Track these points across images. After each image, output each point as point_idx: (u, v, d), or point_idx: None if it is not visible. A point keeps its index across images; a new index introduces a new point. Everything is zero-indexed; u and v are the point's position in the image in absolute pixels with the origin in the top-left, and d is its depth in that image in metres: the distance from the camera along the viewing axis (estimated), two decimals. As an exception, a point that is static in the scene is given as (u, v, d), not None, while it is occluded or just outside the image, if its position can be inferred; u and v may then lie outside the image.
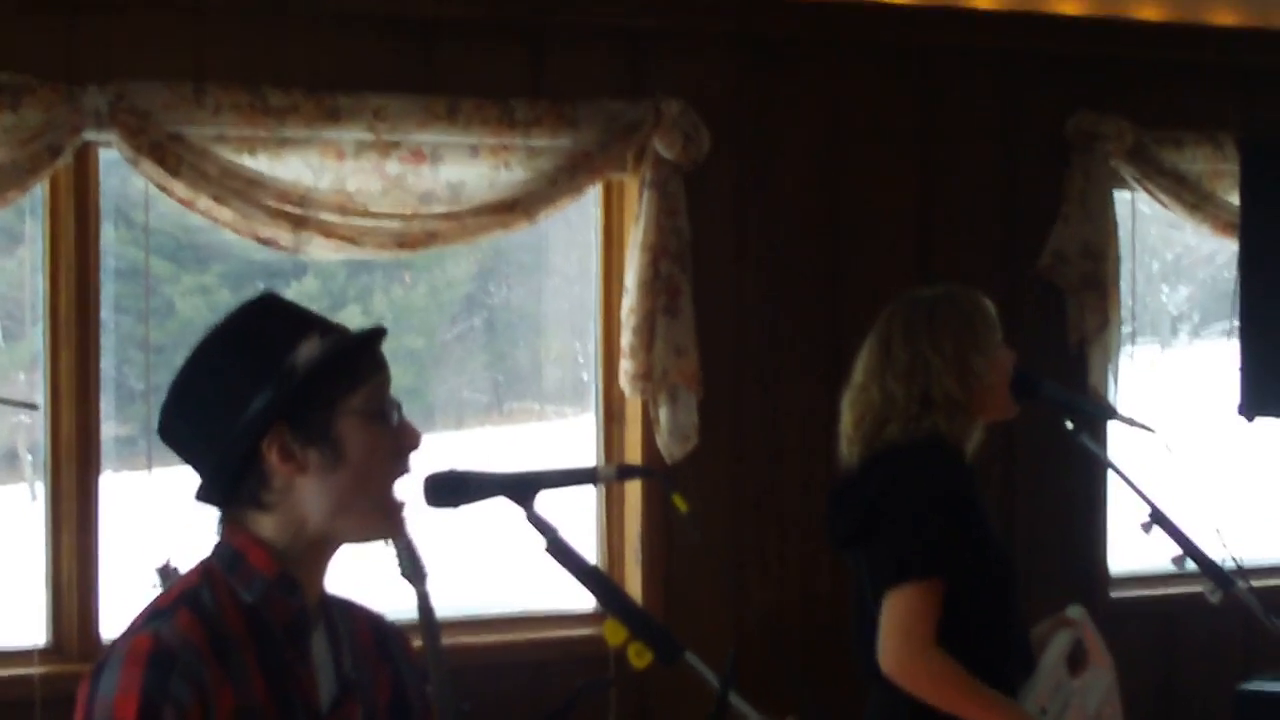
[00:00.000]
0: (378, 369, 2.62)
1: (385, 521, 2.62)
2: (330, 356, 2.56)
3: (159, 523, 5.21)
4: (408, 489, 2.65)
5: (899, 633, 4.14)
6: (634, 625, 2.61)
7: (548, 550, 2.66)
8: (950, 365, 4.29)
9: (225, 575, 2.56)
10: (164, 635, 2.46)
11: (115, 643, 2.51)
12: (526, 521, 2.66)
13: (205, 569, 2.58)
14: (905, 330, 4.37)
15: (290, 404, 2.54)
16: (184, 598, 2.54)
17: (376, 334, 2.65)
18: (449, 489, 2.68)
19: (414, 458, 2.64)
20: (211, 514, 2.65)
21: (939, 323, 4.34)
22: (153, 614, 2.53)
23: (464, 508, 2.72)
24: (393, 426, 2.61)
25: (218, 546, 2.61)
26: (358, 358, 2.60)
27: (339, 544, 2.64)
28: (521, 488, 2.67)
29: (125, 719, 2.40)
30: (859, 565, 4.36)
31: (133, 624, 2.54)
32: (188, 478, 2.66)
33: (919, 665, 4.12)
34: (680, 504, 2.78)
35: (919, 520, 4.19)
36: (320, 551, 2.62)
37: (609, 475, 2.87)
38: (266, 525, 2.58)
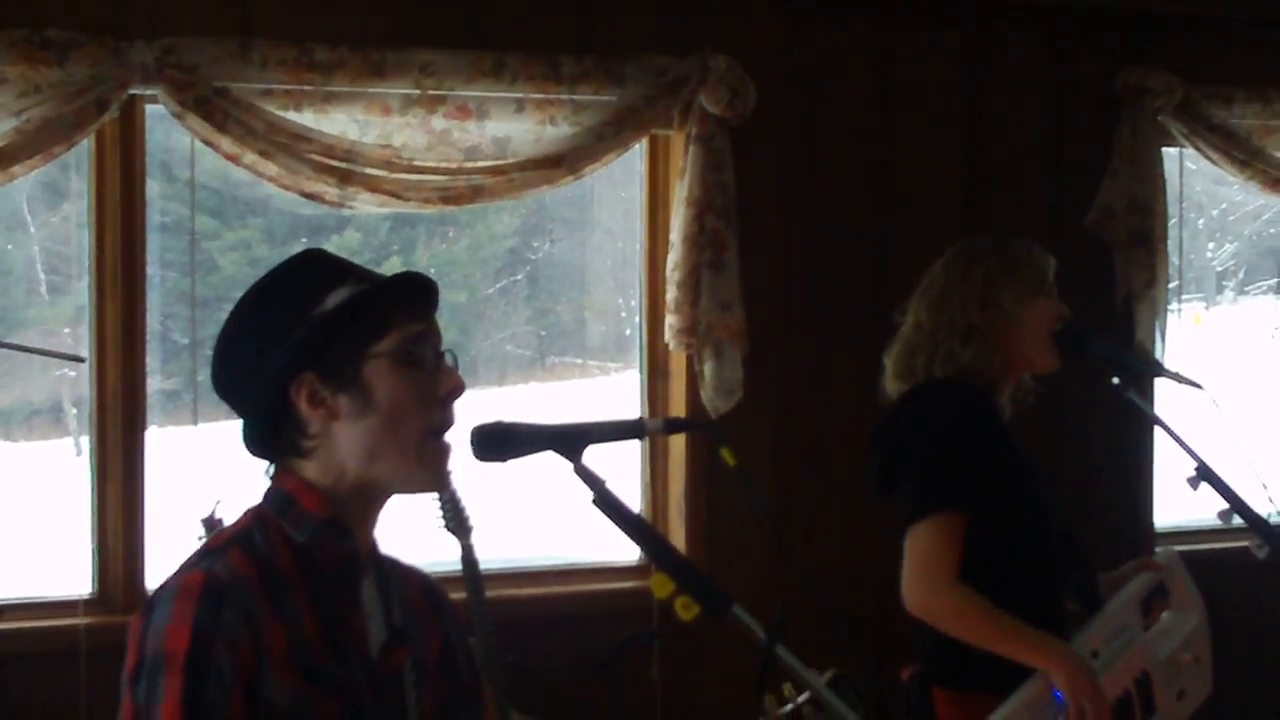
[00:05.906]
0: (414, 315, 2.58)
1: (421, 469, 2.58)
2: (350, 302, 2.55)
3: (204, 477, 5.24)
4: (454, 440, 2.61)
5: (919, 568, 4.10)
6: (681, 578, 2.60)
7: (595, 502, 2.63)
8: (975, 293, 4.29)
9: (276, 518, 2.56)
10: (216, 571, 2.46)
11: (167, 581, 2.51)
12: (574, 474, 2.64)
13: (256, 513, 2.59)
14: (946, 265, 4.40)
15: (313, 350, 2.54)
16: (235, 539, 2.54)
17: (404, 280, 2.61)
18: (496, 442, 2.64)
19: (454, 405, 2.60)
20: (257, 466, 2.65)
21: (977, 258, 4.35)
22: (204, 553, 2.53)
23: (511, 461, 2.68)
24: (426, 371, 2.57)
25: (268, 492, 2.61)
26: (387, 304, 2.57)
27: (384, 493, 2.61)
28: (569, 440, 2.64)
29: (177, 651, 2.39)
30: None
31: (184, 564, 2.53)
32: (233, 431, 2.66)
33: (941, 600, 4.08)
34: (729, 457, 2.74)
35: (934, 456, 4.18)
36: (366, 500, 2.60)
37: (656, 428, 2.82)
38: (311, 471, 2.58)
